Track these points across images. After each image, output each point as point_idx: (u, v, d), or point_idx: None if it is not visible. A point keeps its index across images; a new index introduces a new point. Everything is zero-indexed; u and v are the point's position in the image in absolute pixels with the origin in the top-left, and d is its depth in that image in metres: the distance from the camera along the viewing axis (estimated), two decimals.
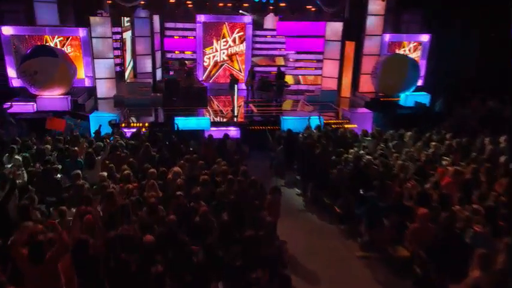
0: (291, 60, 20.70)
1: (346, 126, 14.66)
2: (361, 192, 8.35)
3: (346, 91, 19.04)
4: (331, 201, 9.27)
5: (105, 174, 8.09)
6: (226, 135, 11.97)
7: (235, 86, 15.88)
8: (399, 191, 7.36)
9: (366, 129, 13.24)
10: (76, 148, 9.15)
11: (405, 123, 14.01)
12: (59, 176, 8.25)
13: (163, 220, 6.48)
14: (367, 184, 8.71)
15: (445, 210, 6.75)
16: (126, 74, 18.40)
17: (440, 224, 6.23)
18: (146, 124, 13.93)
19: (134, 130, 12.77)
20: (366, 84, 18.41)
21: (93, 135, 11.93)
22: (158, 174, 8.32)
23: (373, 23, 18.02)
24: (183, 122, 13.77)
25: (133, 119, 14.81)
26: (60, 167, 8.73)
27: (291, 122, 14.30)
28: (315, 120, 14.06)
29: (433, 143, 10.62)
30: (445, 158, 9.92)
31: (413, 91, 17.44)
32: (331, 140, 11.89)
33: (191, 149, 10.47)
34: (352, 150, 10.95)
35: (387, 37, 18.73)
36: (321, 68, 19.94)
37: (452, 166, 9.00)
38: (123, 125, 13.73)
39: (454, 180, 8.12)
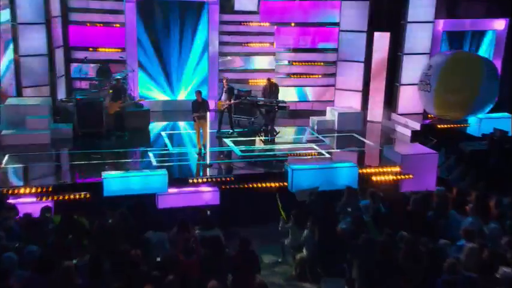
0: (280, 62, 19.85)
1: (396, 178, 13.79)
2: None
3: (375, 113, 18.23)
4: None
5: None
6: (205, 216, 10.25)
7: (207, 111, 14.23)
8: None
9: (443, 191, 11.49)
10: None
11: (483, 169, 13.89)
12: None
13: None
14: None
15: None
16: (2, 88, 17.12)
17: None
18: (49, 189, 12.10)
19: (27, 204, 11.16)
20: (410, 102, 17.74)
21: None
22: None
23: (419, 2, 17.35)
24: (118, 184, 12.28)
25: (20, 177, 13.40)
26: None
27: (306, 176, 13.08)
28: (348, 172, 13.22)
29: None
30: None
31: (490, 111, 16.88)
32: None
33: (158, 259, 8.59)
34: (444, 241, 9.24)
35: (441, 25, 18.07)
36: (333, 75, 19.12)
37: None
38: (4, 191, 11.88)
39: None
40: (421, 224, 10.09)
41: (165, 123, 17.62)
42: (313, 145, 15.73)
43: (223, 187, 12.77)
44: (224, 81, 16.29)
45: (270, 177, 13.24)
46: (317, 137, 16.58)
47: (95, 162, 13.65)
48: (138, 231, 9.35)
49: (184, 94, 19.17)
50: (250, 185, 12.92)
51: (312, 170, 13.19)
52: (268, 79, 17.01)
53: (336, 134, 16.88)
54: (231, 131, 16.25)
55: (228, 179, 13.00)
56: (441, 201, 10.80)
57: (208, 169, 13.54)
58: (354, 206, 10.88)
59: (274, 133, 16.26)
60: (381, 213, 10.66)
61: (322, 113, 18.22)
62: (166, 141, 15.86)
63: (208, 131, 14.11)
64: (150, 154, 14.44)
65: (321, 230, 10.34)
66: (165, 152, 14.91)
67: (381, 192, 11.57)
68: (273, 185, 12.90)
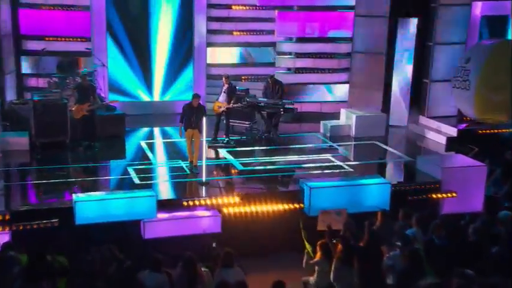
0: (283, 55, 20.12)
1: (436, 197, 13.62)
2: None
3: (399, 115, 18.37)
4: None
5: None
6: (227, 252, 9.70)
7: (204, 116, 13.97)
8: None
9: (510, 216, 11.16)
10: None
11: None
12: None
13: None
14: None
15: None
16: None
17: None
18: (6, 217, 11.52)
19: None
20: (442, 102, 17.91)
21: None
22: None
23: None
24: (94, 209, 11.94)
25: None
26: None
27: (327, 195, 12.84)
28: (379, 190, 13.04)
29: None
30: None
31: None
32: None
33: None
34: None
35: (479, 8, 18.34)
36: (346, 71, 19.30)
37: None
38: None
39: None
40: (487, 260, 9.81)
41: (144, 129, 17.74)
42: (329, 156, 15.56)
43: (225, 211, 12.50)
44: (224, 79, 16.26)
45: (282, 197, 12.98)
46: (331, 145, 16.57)
47: (59, 180, 13.34)
48: (133, 272, 9.00)
49: (164, 94, 19.32)
50: (259, 207, 12.62)
51: (334, 188, 12.96)
52: (271, 76, 16.98)
53: (353, 142, 16.90)
54: (226, 139, 16.05)
55: (232, 200, 12.69)
56: (509, 229, 10.57)
57: (204, 188, 13.29)
58: (400, 237, 10.37)
59: (279, 140, 16.15)
60: (435, 245, 10.25)
61: (334, 116, 18.36)
62: (148, 152, 15.80)
63: (204, 140, 13.95)
64: (130, 169, 14.25)
65: (361, 265, 9.81)
66: (148, 166, 14.79)
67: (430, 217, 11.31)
68: (286, 206, 12.71)
